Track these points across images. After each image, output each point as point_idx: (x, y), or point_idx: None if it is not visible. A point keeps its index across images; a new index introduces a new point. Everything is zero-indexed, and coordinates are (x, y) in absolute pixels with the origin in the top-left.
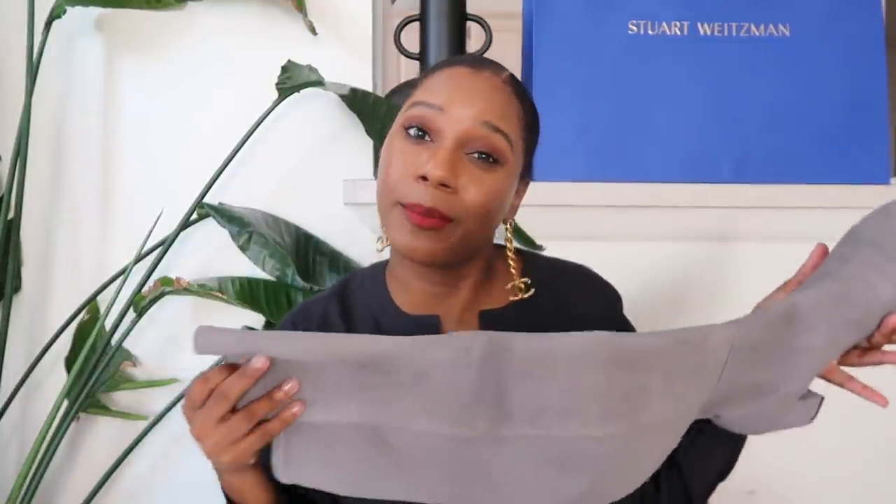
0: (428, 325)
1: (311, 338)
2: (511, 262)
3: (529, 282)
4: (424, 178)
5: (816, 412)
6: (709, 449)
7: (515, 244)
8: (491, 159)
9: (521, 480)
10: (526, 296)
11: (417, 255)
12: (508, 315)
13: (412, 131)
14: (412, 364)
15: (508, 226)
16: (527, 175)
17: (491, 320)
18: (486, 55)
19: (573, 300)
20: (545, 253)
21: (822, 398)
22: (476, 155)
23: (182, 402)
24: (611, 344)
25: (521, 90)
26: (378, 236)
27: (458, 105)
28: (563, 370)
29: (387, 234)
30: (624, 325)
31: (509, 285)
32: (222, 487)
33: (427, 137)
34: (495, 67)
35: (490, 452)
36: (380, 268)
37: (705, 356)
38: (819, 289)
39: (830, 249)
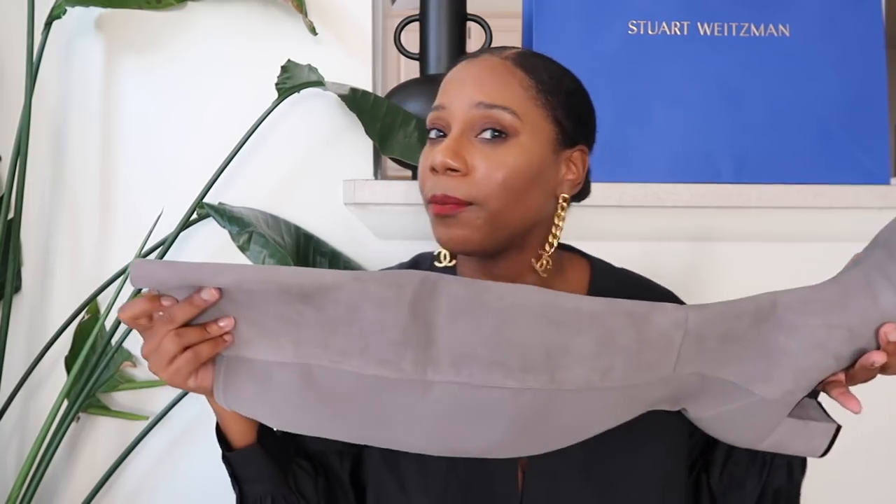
0: None
1: (249, 269)
2: (549, 242)
3: (590, 282)
4: (434, 170)
5: (830, 443)
6: (739, 478)
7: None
8: (499, 135)
9: (442, 425)
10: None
11: (451, 244)
12: None
13: (432, 133)
14: (349, 297)
15: (561, 200)
16: (581, 140)
17: None
18: None
19: None
20: (613, 262)
21: (839, 426)
22: (486, 134)
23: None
24: (542, 299)
25: (524, 56)
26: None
27: (453, 94)
28: (491, 319)
29: (433, 231)
30: None
31: (537, 264)
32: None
33: (443, 135)
34: (497, 51)
35: (414, 396)
36: (451, 265)
37: (646, 332)
38: (815, 288)
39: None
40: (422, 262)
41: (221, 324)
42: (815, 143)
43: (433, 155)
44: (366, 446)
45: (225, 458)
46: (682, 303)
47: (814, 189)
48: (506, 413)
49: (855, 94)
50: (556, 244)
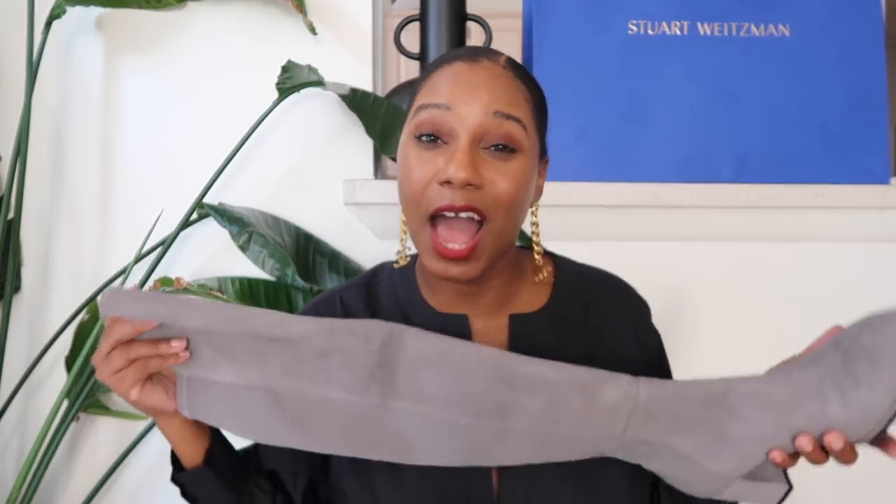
0: (458, 323)
1: (220, 312)
2: (536, 250)
3: (555, 280)
4: (448, 182)
5: (780, 501)
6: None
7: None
8: (508, 148)
9: (405, 439)
10: (545, 297)
11: (452, 278)
12: (539, 320)
13: (424, 137)
14: (318, 346)
15: (534, 208)
16: (544, 154)
17: (521, 323)
18: None
19: (603, 309)
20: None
21: (790, 488)
22: (493, 147)
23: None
24: (500, 362)
25: (522, 72)
26: (398, 250)
27: (464, 101)
28: (451, 373)
29: (418, 250)
30: (651, 336)
31: (538, 277)
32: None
33: (440, 141)
34: (491, 54)
35: (380, 414)
36: (409, 262)
37: (597, 401)
38: (767, 382)
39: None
40: (380, 273)
41: (174, 344)
42: (815, 143)
43: (447, 168)
44: (332, 462)
45: (174, 479)
46: (645, 303)
47: (814, 189)
48: (460, 438)
49: (855, 94)
50: (541, 251)
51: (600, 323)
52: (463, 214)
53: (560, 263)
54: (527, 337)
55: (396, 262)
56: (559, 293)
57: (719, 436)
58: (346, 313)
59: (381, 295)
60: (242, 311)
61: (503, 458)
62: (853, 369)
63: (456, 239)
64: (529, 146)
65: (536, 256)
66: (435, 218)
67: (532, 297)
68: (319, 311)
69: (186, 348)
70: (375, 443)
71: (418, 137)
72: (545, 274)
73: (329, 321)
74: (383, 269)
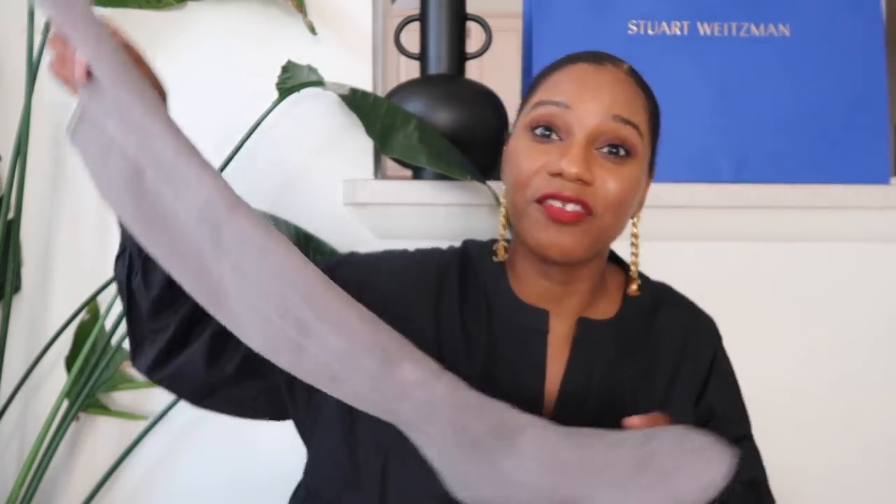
0: (538, 317)
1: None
2: (633, 261)
3: (641, 291)
4: (559, 175)
5: None
6: None
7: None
8: (622, 151)
9: (226, 291)
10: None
11: (555, 252)
12: (604, 329)
13: (538, 131)
14: (192, 163)
15: (636, 220)
16: (652, 168)
17: (587, 328)
18: (485, 55)
19: (674, 333)
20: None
21: None
22: (607, 149)
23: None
24: (310, 286)
25: (642, 81)
26: (494, 243)
27: (585, 101)
28: (267, 267)
29: (523, 233)
30: (718, 368)
31: (632, 287)
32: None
33: (554, 136)
34: (615, 60)
35: (209, 255)
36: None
37: (390, 373)
38: (561, 437)
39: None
40: (472, 250)
41: (77, 69)
42: (815, 143)
43: (559, 162)
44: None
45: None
46: (718, 334)
47: (814, 189)
48: (264, 328)
49: (855, 94)
50: (638, 263)
51: (663, 346)
52: (569, 206)
53: (643, 278)
54: (590, 342)
55: (495, 253)
56: (628, 308)
57: (491, 465)
58: (441, 279)
59: (472, 274)
60: (152, 99)
61: (300, 371)
62: (644, 472)
63: (564, 215)
64: (642, 153)
65: (633, 268)
66: (541, 202)
67: (608, 308)
68: (420, 260)
69: (89, 76)
70: (198, 278)
71: (533, 129)
72: (635, 287)
73: (213, 170)
74: (474, 246)
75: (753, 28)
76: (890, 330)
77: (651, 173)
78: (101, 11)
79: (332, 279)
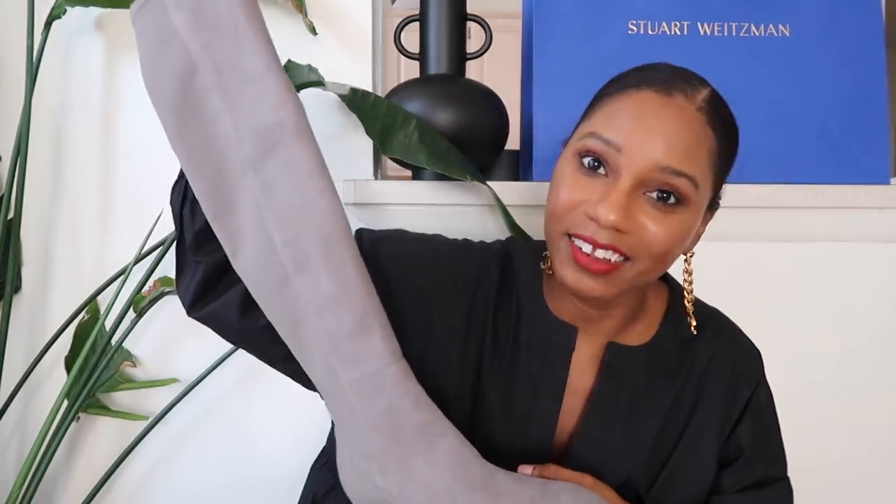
0: (566, 333)
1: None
2: (688, 298)
3: (696, 326)
4: (594, 219)
5: None
6: None
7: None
8: (673, 199)
9: (241, 215)
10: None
11: (581, 294)
12: (635, 356)
13: (587, 161)
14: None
15: (688, 256)
16: (715, 204)
17: (617, 354)
18: (486, 55)
19: (721, 365)
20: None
21: None
22: (656, 194)
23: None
24: (328, 237)
25: (717, 114)
26: (542, 247)
27: (638, 144)
28: (293, 202)
29: (553, 262)
30: (756, 405)
31: (692, 326)
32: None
33: (602, 170)
34: (689, 88)
35: (236, 173)
36: (538, 255)
37: (360, 338)
38: (467, 461)
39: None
40: (514, 252)
41: None
42: (815, 143)
43: (598, 205)
44: None
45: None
46: (761, 363)
47: (814, 189)
48: (266, 256)
49: (855, 94)
50: (692, 300)
51: (703, 372)
52: (600, 253)
53: (675, 299)
54: (619, 368)
55: (544, 259)
56: (666, 332)
57: (402, 459)
58: (480, 275)
59: (510, 279)
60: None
61: (269, 302)
62: None
63: (592, 265)
64: (696, 201)
65: (687, 304)
66: (572, 237)
67: (643, 332)
68: (466, 248)
69: None
70: (215, 182)
71: (581, 157)
72: (692, 320)
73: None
74: (517, 250)
75: (753, 28)
76: (890, 330)
77: (714, 207)
78: (100, 11)
79: (377, 249)
